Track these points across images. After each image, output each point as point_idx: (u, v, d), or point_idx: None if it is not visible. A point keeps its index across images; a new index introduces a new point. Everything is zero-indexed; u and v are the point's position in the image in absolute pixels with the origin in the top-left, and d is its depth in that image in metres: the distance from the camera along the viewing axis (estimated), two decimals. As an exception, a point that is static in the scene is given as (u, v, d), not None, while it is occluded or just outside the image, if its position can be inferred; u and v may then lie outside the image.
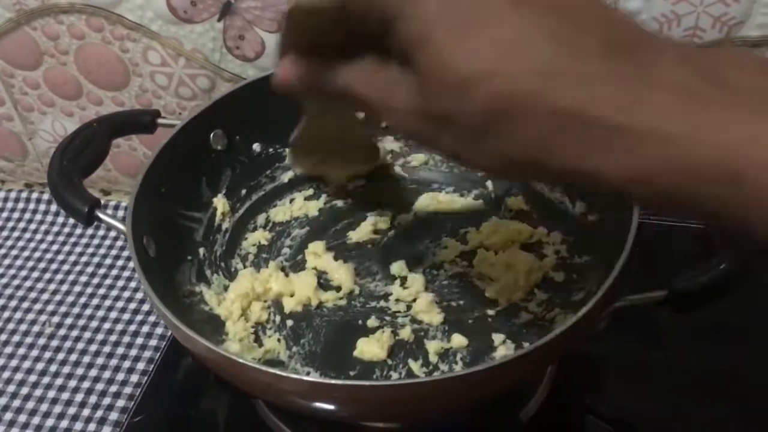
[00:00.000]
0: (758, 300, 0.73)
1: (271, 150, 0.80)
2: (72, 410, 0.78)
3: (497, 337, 0.66)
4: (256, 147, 0.79)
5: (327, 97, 0.47)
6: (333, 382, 0.53)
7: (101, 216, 0.64)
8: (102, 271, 0.93)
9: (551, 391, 0.69)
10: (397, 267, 0.73)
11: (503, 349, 0.65)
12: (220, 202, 0.75)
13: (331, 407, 0.55)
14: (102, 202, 0.66)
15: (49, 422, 0.78)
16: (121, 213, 0.99)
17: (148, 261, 0.62)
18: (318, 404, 0.54)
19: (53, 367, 0.83)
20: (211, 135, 0.75)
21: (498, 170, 0.41)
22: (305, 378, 0.52)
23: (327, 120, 0.69)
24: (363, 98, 0.44)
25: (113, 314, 0.88)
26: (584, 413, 0.71)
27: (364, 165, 0.80)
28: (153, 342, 0.84)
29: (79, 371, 0.82)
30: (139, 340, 0.84)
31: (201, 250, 0.73)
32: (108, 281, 0.92)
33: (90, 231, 0.98)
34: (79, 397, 0.79)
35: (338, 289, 0.72)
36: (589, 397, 0.72)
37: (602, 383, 0.73)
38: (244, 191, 0.78)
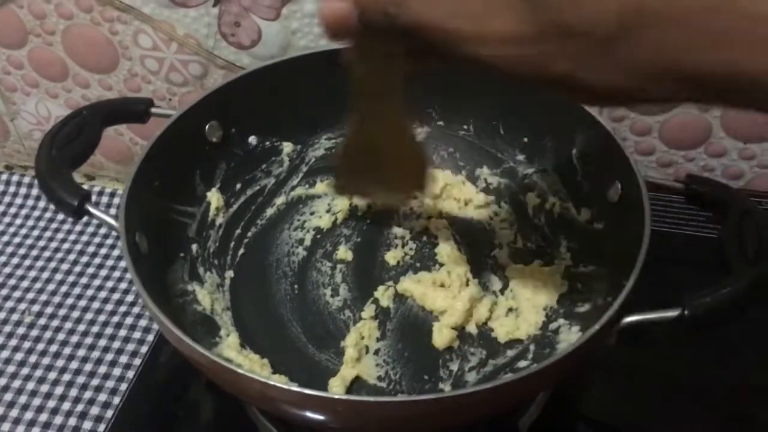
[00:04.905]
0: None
1: (267, 143, 0.78)
2: (51, 403, 0.76)
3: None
4: (252, 140, 0.77)
5: (391, 37, 0.41)
6: (336, 396, 0.51)
7: (92, 210, 0.61)
8: (85, 258, 0.90)
9: (549, 399, 0.68)
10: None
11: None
12: (214, 197, 0.73)
13: (328, 419, 0.53)
14: (86, 189, 0.63)
15: (28, 415, 0.75)
16: (105, 199, 0.96)
17: (140, 258, 0.60)
18: (315, 415, 0.53)
19: (32, 358, 0.80)
20: (207, 127, 0.72)
21: (623, 86, 0.36)
22: (306, 391, 0.49)
23: (375, 127, 0.58)
24: (444, 29, 0.38)
25: (95, 304, 0.85)
26: (581, 422, 0.70)
27: (413, 189, 0.69)
28: (136, 334, 0.81)
29: (60, 363, 0.80)
30: (122, 332, 0.82)
31: (194, 247, 0.70)
32: (91, 269, 0.89)
33: (72, 216, 0.95)
34: (59, 390, 0.77)
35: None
36: (586, 405, 0.71)
37: (599, 392, 0.71)
38: (239, 185, 0.76)
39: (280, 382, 0.52)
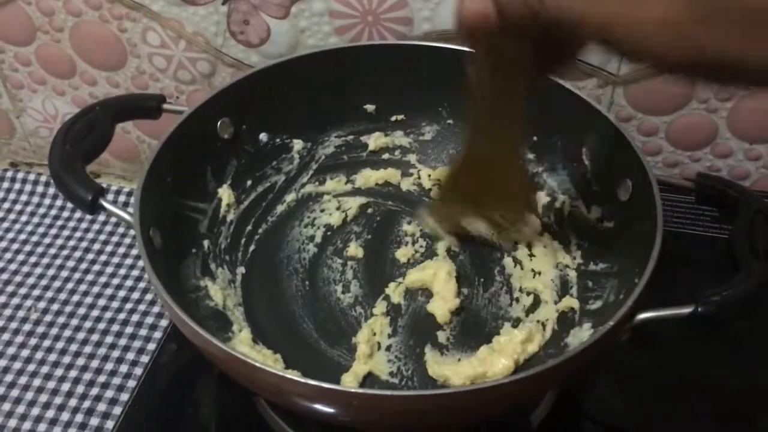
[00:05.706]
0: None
1: (278, 140, 0.78)
2: (58, 399, 0.76)
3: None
4: (263, 137, 0.77)
5: (528, 35, 0.40)
6: (352, 390, 0.51)
7: (106, 206, 0.61)
8: (90, 255, 0.90)
9: (559, 395, 0.68)
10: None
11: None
12: (225, 193, 0.73)
13: (343, 413, 0.53)
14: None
15: (35, 411, 0.75)
16: (110, 196, 0.96)
17: (154, 254, 0.60)
18: (330, 409, 0.53)
19: (39, 355, 0.80)
20: (218, 123, 0.72)
21: None
22: (323, 384, 0.49)
23: (490, 146, 0.58)
24: (594, 16, 0.37)
25: (101, 301, 0.85)
26: (590, 419, 0.70)
27: (515, 213, 0.69)
28: (143, 332, 0.82)
29: (66, 359, 0.80)
30: (129, 329, 0.82)
31: (205, 243, 0.70)
32: (97, 267, 0.89)
33: (78, 213, 0.95)
34: (65, 386, 0.77)
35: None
36: (593, 403, 0.71)
37: (607, 390, 0.72)
38: (249, 182, 0.76)
39: (295, 375, 0.52)
